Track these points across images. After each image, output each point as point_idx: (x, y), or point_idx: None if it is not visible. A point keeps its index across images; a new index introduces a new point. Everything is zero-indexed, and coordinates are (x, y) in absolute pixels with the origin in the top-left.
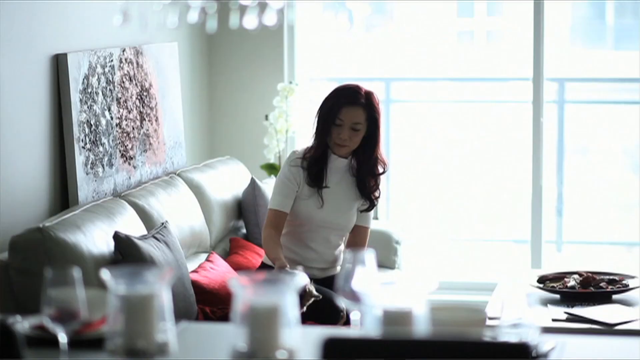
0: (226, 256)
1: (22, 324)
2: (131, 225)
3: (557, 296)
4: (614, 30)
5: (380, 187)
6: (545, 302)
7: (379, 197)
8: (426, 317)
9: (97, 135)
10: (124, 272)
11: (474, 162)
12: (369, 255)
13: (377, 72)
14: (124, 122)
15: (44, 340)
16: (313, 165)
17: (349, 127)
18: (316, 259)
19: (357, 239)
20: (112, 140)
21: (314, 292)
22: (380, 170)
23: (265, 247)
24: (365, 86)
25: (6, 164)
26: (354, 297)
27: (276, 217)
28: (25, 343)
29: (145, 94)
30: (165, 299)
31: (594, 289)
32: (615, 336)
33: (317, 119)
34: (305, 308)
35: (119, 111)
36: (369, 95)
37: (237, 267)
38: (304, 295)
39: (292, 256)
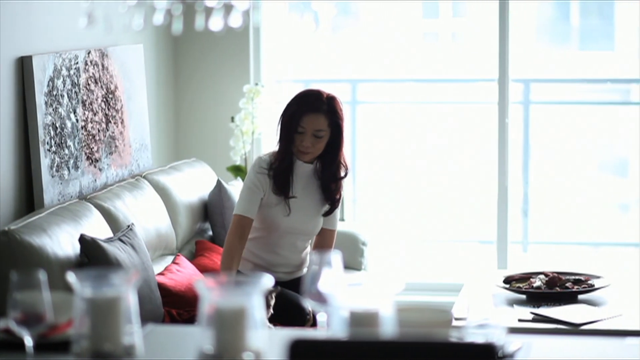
0: (192, 258)
1: None
2: (97, 228)
3: (523, 296)
4: (579, 31)
5: (342, 190)
6: (512, 303)
7: (339, 199)
8: (393, 318)
9: (63, 138)
10: (90, 274)
11: (440, 163)
12: (335, 257)
13: (343, 74)
14: (90, 125)
15: (9, 343)
16: (279, 174)
17: (311, 134)
18: (283, 264)
19: (324, 242)
20: (78, 143)
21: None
22: (342, 173)
23: (223, 262)
24: (329, 90)
25: None
26: (321, 298)
27: (241, 223)
28: None
29: (110, 96)
30: (131, 301)
31: (560, 289)
32: (581, 336)
33: (279, 126)
34: (271, 309)
35: (84, 114)
36: (330, 101)
37: (203, 270)
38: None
39: (258, 261)
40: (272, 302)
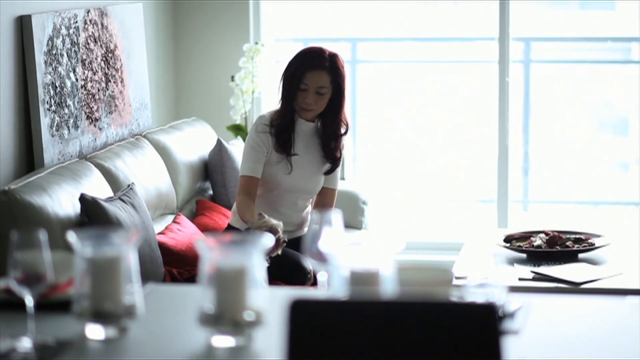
0: (193, 217)
1: None
2: (97, 187)
3: (524, 255)
4: None
5: (343, 148)
6: (512, 262)
7: (340, 157)
8: (393, 278)
9: (62, 97)
10: (90, 234)
11: (440, 122)
12: (335, 216)
13: (344, 33)
14: (89, 84)
15: (10, 303)
16: (281, 132)
17: (314, 91)
18: (284, 222)
19: (325, 200)
20: (78, 102)
21: (281, 235)
22: (342, 131)
23: (240, 212)
24: (330, 48)
25: None
26: (321, 258)
27: (248, 183)
28: None
29: (110, 55)
30: (132, 261)
31: (560, 248)
32: (581, 295)
33: (281, 83)
34: (279, 250)
35: (84, 73)
36: (333, 58)
37: (204, 229)
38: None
39: None
40: (280, 248)
